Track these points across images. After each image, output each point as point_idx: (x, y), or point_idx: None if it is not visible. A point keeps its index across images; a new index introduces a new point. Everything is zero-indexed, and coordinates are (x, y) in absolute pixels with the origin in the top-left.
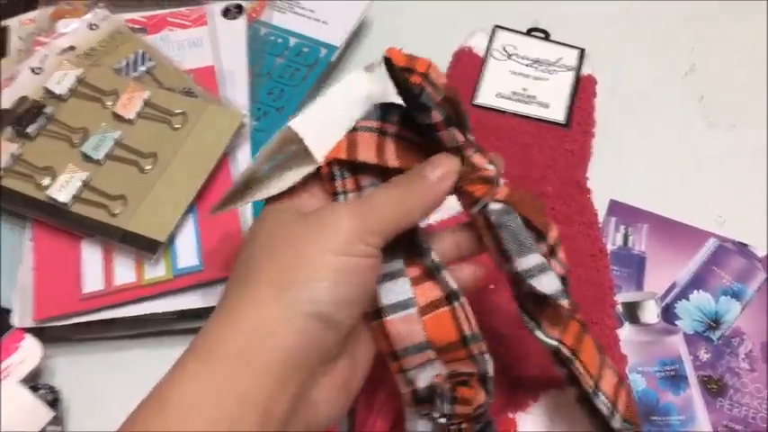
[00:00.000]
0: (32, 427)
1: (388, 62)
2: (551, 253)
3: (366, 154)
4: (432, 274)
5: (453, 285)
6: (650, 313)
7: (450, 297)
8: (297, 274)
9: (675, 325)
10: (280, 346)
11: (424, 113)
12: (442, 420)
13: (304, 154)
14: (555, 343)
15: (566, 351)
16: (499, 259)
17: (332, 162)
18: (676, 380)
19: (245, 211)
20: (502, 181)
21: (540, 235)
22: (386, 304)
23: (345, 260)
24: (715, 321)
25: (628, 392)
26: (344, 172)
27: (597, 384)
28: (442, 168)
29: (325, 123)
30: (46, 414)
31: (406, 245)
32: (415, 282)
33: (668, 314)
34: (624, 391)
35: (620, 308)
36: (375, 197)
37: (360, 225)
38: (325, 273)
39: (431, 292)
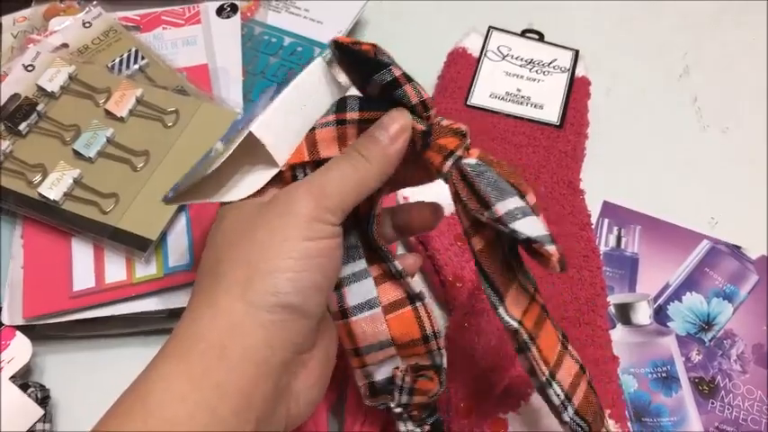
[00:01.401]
0: (22, 424)
1: (336, 45)
2: (531, 209)
3: (328, 149)
4: (393, 276)
5: (416, 289)
6: (643, 315)
7: (411, 298)
8: (260, 267)
9: (668, 326)
10: (249, 343)
11: (384, 72)
12: (398, 410)
13: (265, 158)
14: (515, 324)
15: (524, 334)
16: (478, 208)
17: (294, 167)
18: (668, 381)
19: None
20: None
21: (520, 193)
22: (351, 305)
23: (308, 245)
24: (707, 323)
25: (589, 384)
26: (307, 169)
27: (553, 373)
28: (394, 125)
29: (284, 125)
30: (35, 412)
31: (366, 242)
32: (378, 281)
33: (660, 315)
34: (584, 383)
35: (612, 309)
36: (328, 172)
37: (317, 205)
38: (289, 262)
39: (393, 291)
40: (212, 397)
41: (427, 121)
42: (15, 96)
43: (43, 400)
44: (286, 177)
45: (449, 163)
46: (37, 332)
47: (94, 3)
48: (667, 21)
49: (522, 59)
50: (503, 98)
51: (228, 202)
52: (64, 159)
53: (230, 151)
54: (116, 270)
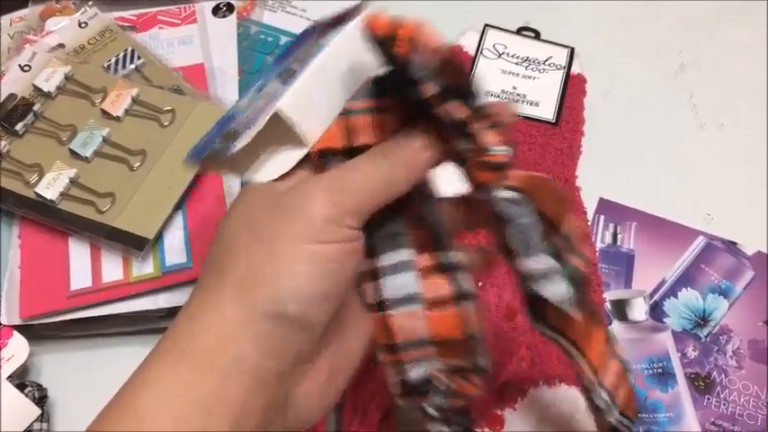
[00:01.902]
0: (19, 424)
1: (367, 35)
2: (568, 244)
3: (364, 137)
4: (446, 269)
5: (468, 287)
6: (639, 311)
7: (460, 297)
8: (265, 271)
9: (663, 322)
10: (241, 353)
11: (415, 88)
12: (434, 413)
13: (292, 137)
14: (554, 335)
15: (565, 343)
16: (503, 252)
17: (318, 151)
18: (664, 377)
19: None
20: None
21: (554, 227)
22: (389, 297)
23: (319, 249)
24: (703, 319)
25: (629, 382)
26: (338, 156)
27: (598, 377)
28: (421, 138)
29: (314, 101)
30: (32, 411)
31: (420, 231)
32: (425, 273)
33: (656, 312)
34: (626, 381)
35: (608, 305)
36: (350, 171)
37: (336, 205)
38: (298, 267)
39: (440, 288)
40: (205, 405)
41: (466, 138)
42: (12, 96)
43: (40, 399)
44: (315, 162)
45: (480, 196)
46: (34, 332)
47: (90, 3)
48: (664, 20)
49: (517, 57)
50: (498, 96)
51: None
52: (60, 159)
53: (255, 132)
54: (113, 269)
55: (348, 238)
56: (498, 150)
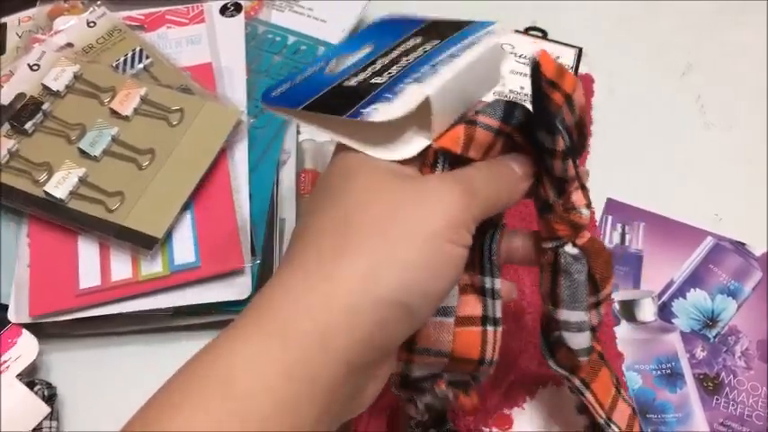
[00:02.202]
0: (29, 422)
1: (535, 67)
2: (596, 305)
3: (476, 152)
4: (481, 292)
5: (498, 314)
6: (647, 311)
7: (486, 320)
8: (395, 253)
9: (672, 323)
10: (358, 336)
11: (550, 136)
12: (422, 411)
13: (420, 125)
14: (565, 373)
15: (576, 381)
16: (546, 296)
17: (438, 149)
18: (673, 378)
19: (243, 209)
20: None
21: (595, 288)
22: None
23: (450, 248)
24: (711, 319)
25: (638, 423)
26: (448, 160)
27: (609, 416)
28: (526, 168)
29: (453, 99)
30: (42, 410)
31: (472, 252)
32: (462, 290)
33: (665, 312)
34: (636, 424)
35: (616, 306)
36: (481, 176)
37: (469, 208)
38: (430, 261)
39: (472, 307)
40: (303, 393)
41: (561, 192)
42: (21, 95)
43: (50, 397)
44: (428, 158)
45: (549, 245)
46: (43, 330)
47: (98, 2)
48: (668, 20)
49: (525, 57)
50: (506, 96)
51: (352, 154)
52: (69, 158)
53: (402, 114)
54: (122, 268)
55: (469, 243)
56: (583, 211)
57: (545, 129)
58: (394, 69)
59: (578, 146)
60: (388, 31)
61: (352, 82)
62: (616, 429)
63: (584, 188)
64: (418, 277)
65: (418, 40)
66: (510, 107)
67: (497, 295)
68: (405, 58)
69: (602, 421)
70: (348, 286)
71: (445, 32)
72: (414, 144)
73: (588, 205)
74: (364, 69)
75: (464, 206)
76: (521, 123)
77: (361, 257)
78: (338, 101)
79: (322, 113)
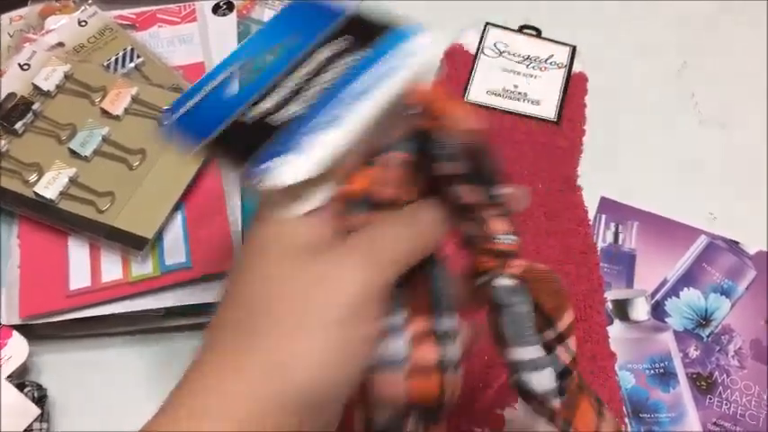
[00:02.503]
0: (19, 424)
1: (405, 102)
2: (559, 339)
3: (393, 191)
4: (439, 338)
5: (457, 356)
6: (640, 310)
7: (445, 365)
8: (299, 349)
9: (665, 322)
10: None
11: (442, 162)
12: None
13: (325, 175)
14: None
15: (560, 423)
16: (494, 340)
17: (348, 195)
18: (666, 377)
19: (234, 209)
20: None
21: (550, 321)
22: (375, 360)
23: (354, 332)
24: (705, 319)
25: None
26: (362, 208)
27: None
28: (439, 209)
29: (352, 143)
30: (32, 411)
31: (419, 291)
32: (416, 339)
33: (658, 311)
34: None
35: (609, 305)
36: (385, 234)
37: (373, 276)
38: (330, 350)
39: (428, 354)
40: None
41: (474, 223)
42: (11, 95)
43: (40, 399)
44: (339, 207)
45: (480, 281)
46: (34, 331)
47: (90, 1)
48: (665, 17)
49: (518, 56)
50: (500, 95)
51: (270, 227)
52: (60, 158)
53: (308, 176)
54: (112, 269)
55: (381, 313)
56: (505, 239)
57: (438, 157)
58: (310, 92)
59: (482, 172)
60: (303, 22)
61: (262, 108)
62: None
63: (507, 214)
64: (324, 372)
65: (337, 46)
66: (423, 138)
67: (455, 335)
68: (323, 75)
69: None
70: (248, 389)
71: (368, 37)
72: (317, 194)
73: (514, 232)
74: (274, 89)
75: (369, 279)
76: (440, 148)
77: (263, 356)
78: (242, 140)
79: (224, 157)
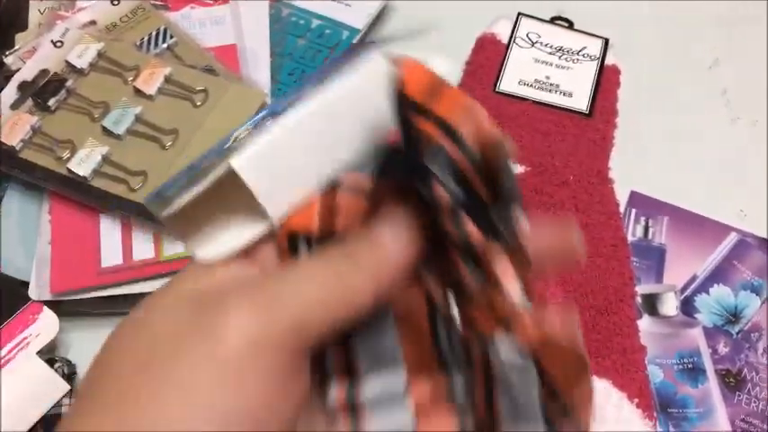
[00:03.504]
0: (48, 399)
1: (400, 93)
2: (565, 412)
3: (347, 223)
4: (451, 398)
5: (473, 424)
6: (670, 306)
7: None
8: (144, 416)
9: (695, 318)
10: None
11: (424, 185)
12: None
13: (252, 204)
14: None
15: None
16: (481, 405)
17: (295, 232)
18: (694, 373)
19: None
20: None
21: (553, 396)
22: None
23: (229, 403)
24: (734, 315)
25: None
26: (313, 243)
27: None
28: (402, 234)
29: (290, 161)
30: (62, 387)
31: (423, 347)
32: (423, 409)
33: (687, 307)
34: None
35: (639, 299)
36: (297, 272)
37: (264, 323)
38: (193, 416)
39: (442, 424)
40: None
41: (474, 265)
42: (44, 72)
43: (70, 375)
44: (282, 244)
45: (474, 344)
46: (64, 308)
47: None
48: (696, 12)
49: (551, 47)
50: (531, 85)
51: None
52: (93, 136)
53: (200, 190)
54: (144, 247)
55: (277, 371)
56: (514, 296)
57: (418, 177)
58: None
59: (498, 196)
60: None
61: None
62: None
63: (517, 256)
64: None
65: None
66: (388, 158)
67: (473, 397)
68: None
69: None
70: None
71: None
72: (244, 233)
73: (522, 287)
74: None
75: (254, 322)
76: (407, 172)
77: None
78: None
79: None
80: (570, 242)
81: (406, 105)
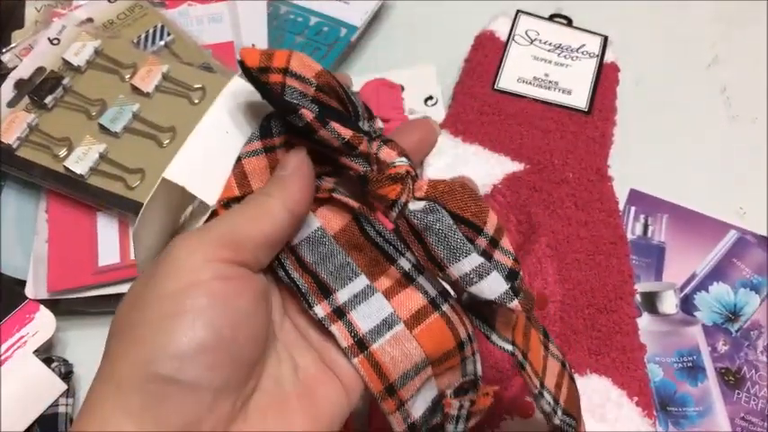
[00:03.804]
0: (45, 399)
1: (242, 66)
2: (493, 244)
3: (260, 181)
4: (408, 278)
5: (438, 287)
6: (669, 304)
7: (435, 302)
8: (135, 334)
9: (694, 316)
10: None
11: (294, 115)
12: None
13: (194, 204)
14: (510, 347)
15: (519, 355)
16: (431, 267)
17: (227, 203)
18: (694, 371)
19: None
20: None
21: (476, 227)
22: (366, 330)
23: (188, 292)
24: (734, 313)
25: (570, 378)
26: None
27: (542, 383)
28: (292, 160)
29: (205, 159)
30: (59, 386)
31: (367, 252)
32: (389, 293)
33: (687, 305)
34: (567, 379)
35: (638, 297)
36: (222, 215)
37: (204, 242)
38: (164, 319)
39: (411, 300)
40: None
41: (361, 159)
42: (41, 70)
43: (67, 375)
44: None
45: (393, 213)
46: (61, 307)
47: None
48: (695, 10)
49: (550, 44)
50: (530, 83)
51: None
52: (90, 134)
53: (146, 203)
54: None
55: (233, 274)
56: (399, 161)
57: (287, 112)
58: None
59: (347, 106)
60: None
61: None
62: (548, 397)
63: (388, 142)
64: (161, 340)
65: None
66: (265, 124)
67: (421, 268)
68: None
69: (536, 391)
70: (97, 391)
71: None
72: (200, 219)
73: (402, 153)
74: None
75: (193, 242)
76: (285, 124)
77: (109, 355)
78: None
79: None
80: (430, 135)
81: (249, 72)
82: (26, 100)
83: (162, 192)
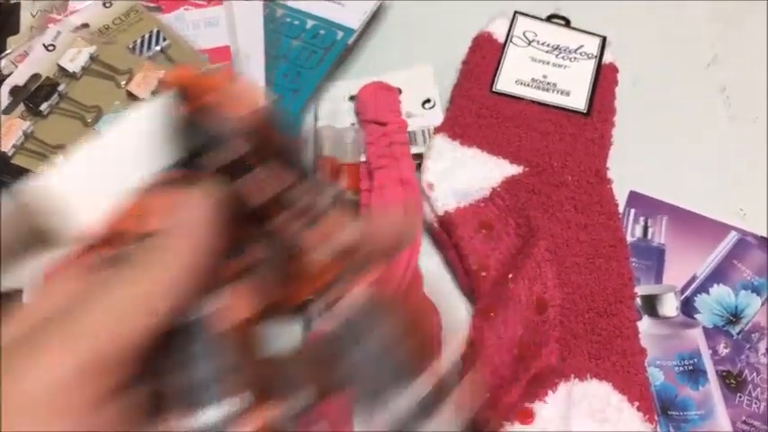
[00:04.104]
0: None
1: (172, 85)
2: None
3: (161, 216)
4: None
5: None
6: (669, 306)
7: None
8: None
9: (695, 318)
10: None
11: (224, 146)
12: None
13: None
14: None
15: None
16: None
17: (116, 237)
18: (695, 374)
19: None
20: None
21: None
22: None
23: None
24: (735, 316)
25: None
26: (131, 245)
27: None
28: (189, 211)
29: (94, 175)
30: None
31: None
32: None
33: (687, 307)
34: None
35: (638, 300)
36: (88, 301)
37: (79, 357)
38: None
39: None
40: None
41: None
42: (36, 76)
43: None
44: (107, 243)
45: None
46: None
47: None
48: (694, 11)
49: (548, 45)
50: (528, 84)
51: None
52: (85, 141)
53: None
54: None
55: (100, 402)
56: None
57: (215, 143)
58: None
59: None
60: None
61: None
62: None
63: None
64: None
65: None
66: (189, 131)
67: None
68: None
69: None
70: None
71: None
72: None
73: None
74: None
75: (69, 357)
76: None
77: None
78: None
79: None
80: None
81: (181, 93)
82: (21, 107)
83: (19, 210)
